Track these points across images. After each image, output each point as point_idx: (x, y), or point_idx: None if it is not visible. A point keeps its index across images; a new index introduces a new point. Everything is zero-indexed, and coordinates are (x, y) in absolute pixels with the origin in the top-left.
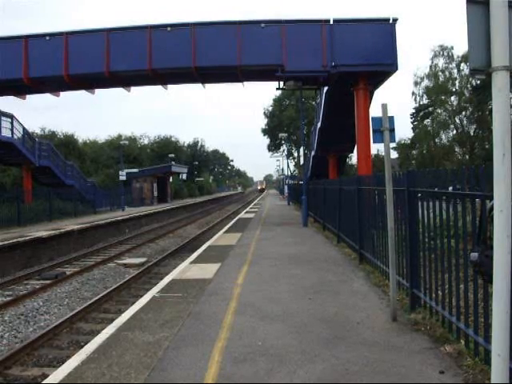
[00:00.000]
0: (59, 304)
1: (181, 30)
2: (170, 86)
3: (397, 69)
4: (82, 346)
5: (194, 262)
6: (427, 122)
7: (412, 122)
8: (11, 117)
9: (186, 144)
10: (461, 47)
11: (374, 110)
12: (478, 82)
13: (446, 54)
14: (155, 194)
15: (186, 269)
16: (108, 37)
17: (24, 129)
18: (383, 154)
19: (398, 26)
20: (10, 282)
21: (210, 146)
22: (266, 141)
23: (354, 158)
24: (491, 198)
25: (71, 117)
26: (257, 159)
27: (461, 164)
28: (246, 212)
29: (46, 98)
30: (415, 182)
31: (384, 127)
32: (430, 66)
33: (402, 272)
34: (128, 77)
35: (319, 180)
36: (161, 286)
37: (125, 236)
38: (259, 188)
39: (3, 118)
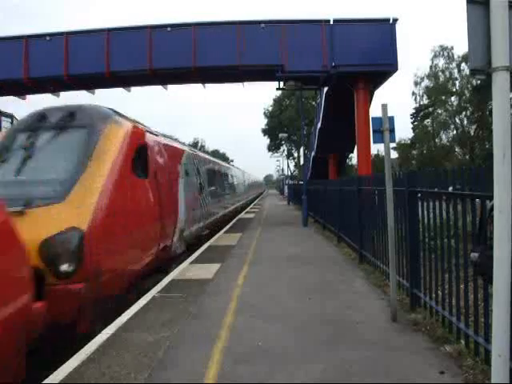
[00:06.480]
0: None
1: (181, 30)
2: (169, 86)
3: (397, 69)
4: (81, 346)
5: (194, 262)
6: (427, 122)
7: (412, 122)
8: (11, 116)
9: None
10: (461, 47)
11: (374, 110)
12: (478, 82)
13: (446, 54)
14: None
15: (186, 269)
16: (108, 37)
17: None
18: (383, 153)
19: (398, 26)
20: None
21: (210, 146)
22: (266, 141)
23: (354, 158)
24: (491, 198)
25: None
26: (257, 159)
27: (461, 164)
28: (246, 212)
29: (46, 98)
30: (415, 182)
31: (384, 127)
32: (431, 66)
33: (402, 272)
34: (128, 77)
35: (319, 180)
36: (161, 286)
37: None
38: None
39: (3, 118)
